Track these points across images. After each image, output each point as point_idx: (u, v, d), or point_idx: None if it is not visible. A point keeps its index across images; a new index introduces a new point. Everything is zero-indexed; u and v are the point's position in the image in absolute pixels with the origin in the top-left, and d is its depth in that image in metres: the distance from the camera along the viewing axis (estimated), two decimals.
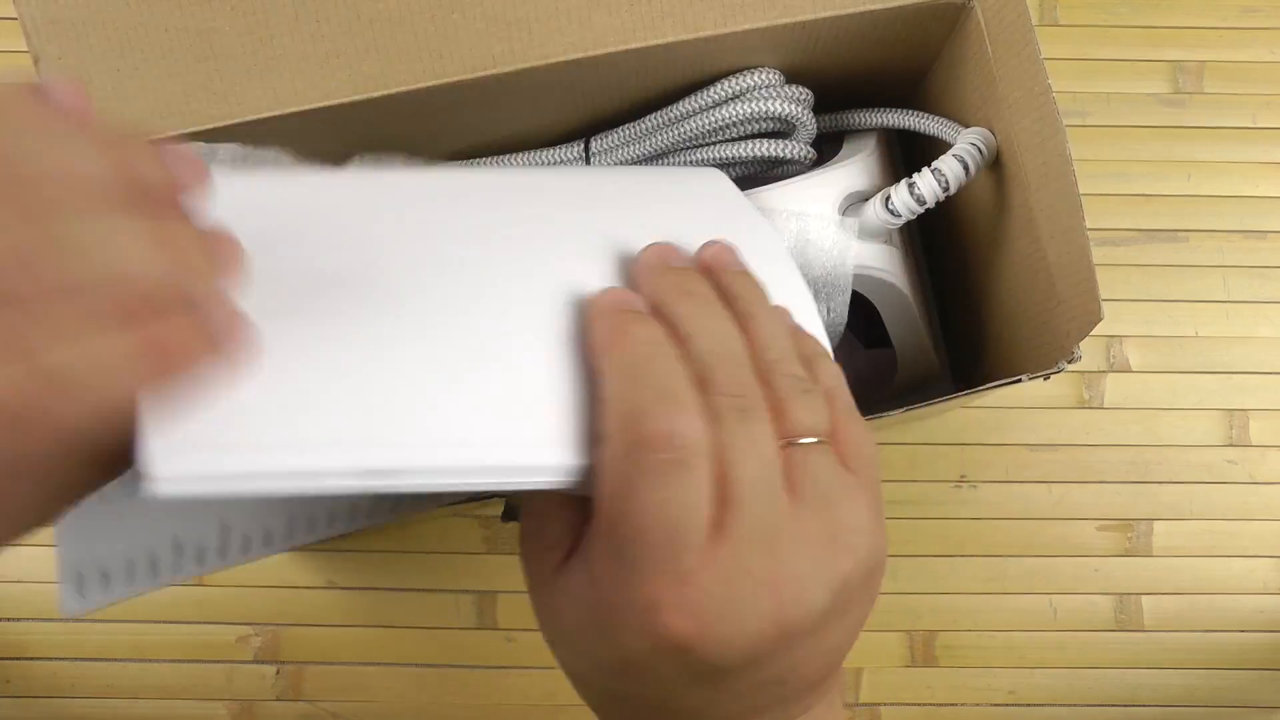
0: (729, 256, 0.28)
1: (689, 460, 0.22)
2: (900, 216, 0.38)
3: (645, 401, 0.22)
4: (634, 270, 0.27)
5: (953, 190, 0.38)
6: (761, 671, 0.23)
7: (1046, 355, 0.37)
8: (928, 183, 0.38)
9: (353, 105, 0.37)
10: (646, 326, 0.24)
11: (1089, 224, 0.34)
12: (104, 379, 0.19)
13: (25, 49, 0.36)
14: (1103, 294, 0.34)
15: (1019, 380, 0.37)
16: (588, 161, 0.42)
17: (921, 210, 0.38)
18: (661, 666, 0.23)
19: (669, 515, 0.22)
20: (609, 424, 0.23)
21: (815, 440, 0.24)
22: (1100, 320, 0.34)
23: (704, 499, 0.22)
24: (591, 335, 0.25)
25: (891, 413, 0.37)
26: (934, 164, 0.38)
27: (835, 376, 0.26)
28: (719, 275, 0.27)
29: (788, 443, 0.23)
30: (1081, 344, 0.36)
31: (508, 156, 0.43)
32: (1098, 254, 0.34)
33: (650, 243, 0.27)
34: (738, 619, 0.22)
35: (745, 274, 0.28)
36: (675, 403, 0.22)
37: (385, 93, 0.37)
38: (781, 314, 0.27)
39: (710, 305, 0.26)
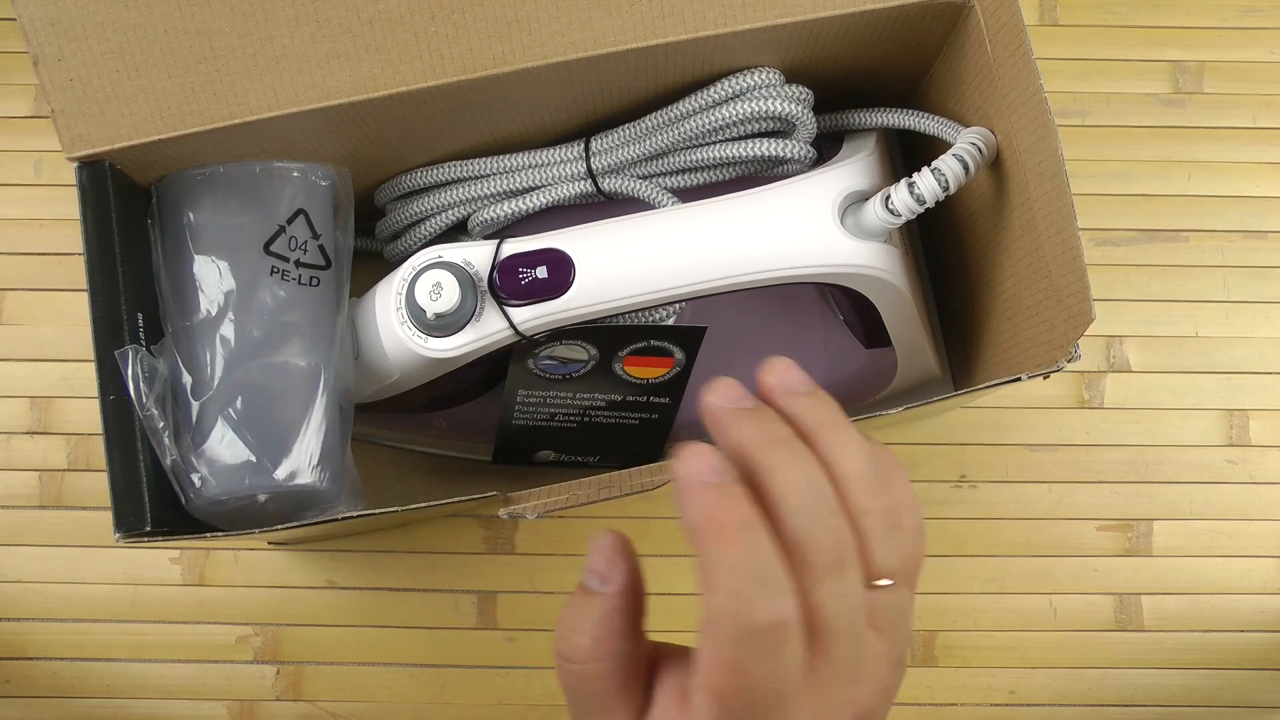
0: (792, 377, 0.27)
1: (789, 633, 0.24)
2: (900, 216, 0.38)
3: (749, 593, 0.24)
4: (706, 416, 0.27)
5: (953, 190, 0.38)
6: None
7: (1046, 354, 0.37)
8: (928, 182, 0.38)
9: (353, 105, 0.37)
10: (737, 508, 0.24)
11: (1089, 224, 0.34)
12: None
13: (25, 49, 0.36)
14: (1103, 294, 0.34)
15: (1018, 379, 0.37)
16: (588, 161, 0.42)
17: (921, 210, 0.38)
18: None
19: (776, 682, 0.24)
20: (716, 612, 0.24)
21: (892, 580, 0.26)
22: (1091, 321, 0.34)
23: (800, 655, 0.24)
24: (686, 515, 0.25)
25: (891, 411, 0.37)
26: (934, 163, 0.38)
27: (905, 488, 0.28)
28: (788, 403, 0.27)
29: (872, 585, 0.26)
30: (1081, 344, 0.36)
31: (508, 156, 0.43)
32: (1098, 254, 0.34)
33: (716, 381, 0.27)
34: None
35: (813, 396, 0.27)
36: (775, 589, 0.24)
37: (385, 93, 0.37)
38: (853, 436, 0.27)
39: (794, 452, 0.26)
